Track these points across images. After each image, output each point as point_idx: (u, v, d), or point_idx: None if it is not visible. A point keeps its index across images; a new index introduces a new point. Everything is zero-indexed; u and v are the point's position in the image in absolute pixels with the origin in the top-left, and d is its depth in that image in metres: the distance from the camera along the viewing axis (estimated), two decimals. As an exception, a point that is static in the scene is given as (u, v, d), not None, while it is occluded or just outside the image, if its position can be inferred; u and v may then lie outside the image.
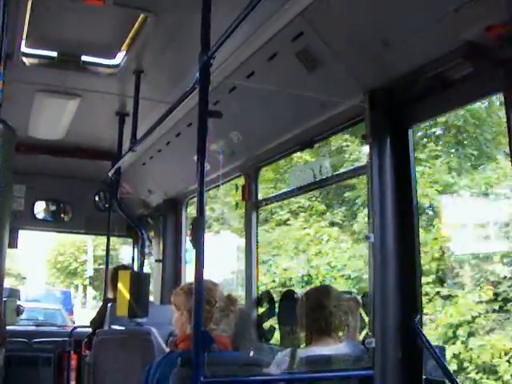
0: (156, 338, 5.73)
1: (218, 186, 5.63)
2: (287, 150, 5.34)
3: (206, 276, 3.24)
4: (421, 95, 3.58)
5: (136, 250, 8.88)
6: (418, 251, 3.70)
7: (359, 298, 4.27)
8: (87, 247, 49.73)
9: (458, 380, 3.37)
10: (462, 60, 3.19)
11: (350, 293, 4.57)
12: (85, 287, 55.15)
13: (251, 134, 5.29)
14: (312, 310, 4.19)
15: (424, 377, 3.56)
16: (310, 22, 3.78)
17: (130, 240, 9.38)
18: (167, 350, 5.32)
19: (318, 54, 3.93)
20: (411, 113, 3.70)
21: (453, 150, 17.94)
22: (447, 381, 3.42)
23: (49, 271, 53.77)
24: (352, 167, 4.68)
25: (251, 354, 4.54)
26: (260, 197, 5.88)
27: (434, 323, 15.19)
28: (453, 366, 13.56)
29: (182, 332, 3.98)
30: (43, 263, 54.16)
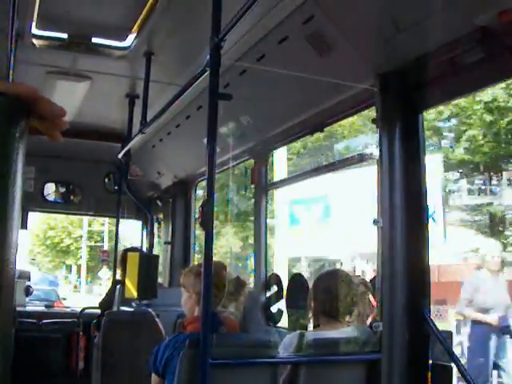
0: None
1: (228, 168, 5.63)
2: (297, 134, 5.34)
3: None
4: (432, 80, 3.56)
5: (145, 232, 8.90)
6: (426, 236, 3.70)
7: (368, 282, 4.28)
8: (84, 221, 43.86)
9: (463, 365, 3.37)
10: (474, 45, 3.17)
11: (360, 277, 4.58)
12: (79, 268, 49.48)
13: (261, 117, 5.29)
14: (321, 293, 4.21)
15: (430, 361, 3.57)
16: (320, 5, 3.77)
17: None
18: (165, 337, 5.35)
19: (329, 38, 3.92)
20: (422, 97, 3.69)
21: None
22: (454, 365, 3.43)
23: (36, 248, 47.02)
24: (362, 151, 4.66)
25: (259, 336, 4.56)
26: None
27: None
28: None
29: (190, 314, 4.00)
30: (30, 238, 45.52)
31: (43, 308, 9.99)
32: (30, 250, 47.04)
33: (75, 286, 49.73)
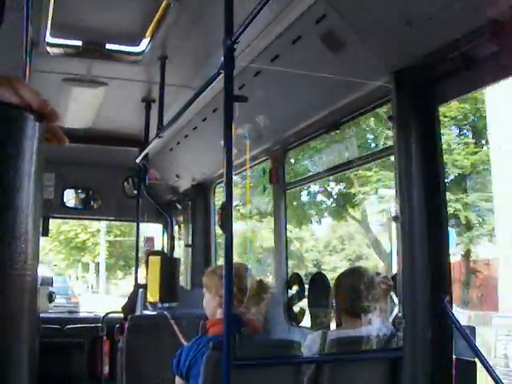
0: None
1: (246, 169, 5.64)
2: (314, 133, 5.34)
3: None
4: (447, 74, 3.55)
5: (166, 235, 8.93)
6: (445, 231, 3.69)
7: (391, 279, 4.27)
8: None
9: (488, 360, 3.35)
10: (487, 38, 3.16)
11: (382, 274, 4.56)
12: (97, 266, 45.08)
13: (277, 118, 5.29)
14: (344, 291, 4.21)
15: (454, 357, 3.56)
16: (333, 3, 3.76)
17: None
18: (183, 341, 5.35)
19: (343, 36, 3.91)
20: (438, 92, 3.67)
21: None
22: (478, 361, 3.42)
23: (48, 245, 40.59)
24: (379, 148, 4.67)
25: (282, 336, 4.57)
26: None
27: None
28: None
29: (212, 315, 4.01)
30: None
31: (67, 314, 10.07)
32: (42, 248, 41.84)
33: (93, 288, 45.97)
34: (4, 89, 0.99)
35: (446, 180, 3.78)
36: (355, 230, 35.19)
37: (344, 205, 25.94)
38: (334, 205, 26.99)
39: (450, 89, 3.62)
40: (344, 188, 25.37)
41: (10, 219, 0.90)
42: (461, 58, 3.38)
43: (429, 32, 3.43)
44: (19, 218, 0.92)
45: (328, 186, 25.43)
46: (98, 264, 44.54)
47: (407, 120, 3.73)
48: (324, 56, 4.11)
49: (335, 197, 26.42)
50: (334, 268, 33.07)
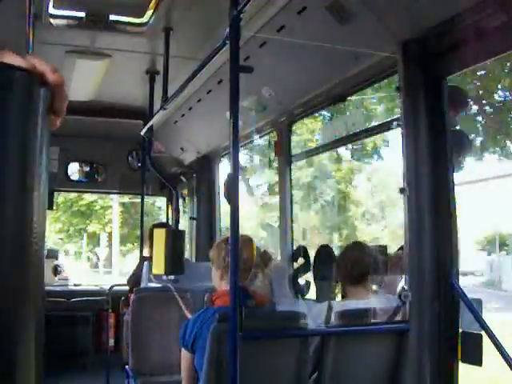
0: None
1: (251, 141, 5.62)
2: (320, 104, 5.31)
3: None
4: (455, 45, 3.50)
5: (170, 208, 8.93)
6: (453, 203, 3.67)
7: (399, 251, 4.26)
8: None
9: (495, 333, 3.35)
10: (497, 9, 3.12)
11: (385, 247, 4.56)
12: (110, 236, 36.01)
13: (283, 89, 5.26)
14: (348, 263, 4.21)
15: (461, 330, 3.55)
16: (340, -28, 3.72)
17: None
18: (188, 313, 5.35)
19: (349, 6, 3.87)
20: (445, 63, 3.63)
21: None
22: (484, 334, 3.41)
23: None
24: (386, 120, 4.64)
25: (288, 308, 4.57)
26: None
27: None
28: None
29: (219, 287, 4.01)
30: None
31: (72, 287, 10.12)
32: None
33: (105, 266, 37.44)
34: (14, 56, 0.96)
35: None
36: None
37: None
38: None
39: (457, 60, 3.58)
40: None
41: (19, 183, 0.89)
42: (469, 29, 3.33)
43: (437, 3, 3.39)
44: (28, 181, 0.90)
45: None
46: (110, 234, 35.91)
47: (415, 91, 3.70)
48: (330, 26, 4.07)
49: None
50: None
